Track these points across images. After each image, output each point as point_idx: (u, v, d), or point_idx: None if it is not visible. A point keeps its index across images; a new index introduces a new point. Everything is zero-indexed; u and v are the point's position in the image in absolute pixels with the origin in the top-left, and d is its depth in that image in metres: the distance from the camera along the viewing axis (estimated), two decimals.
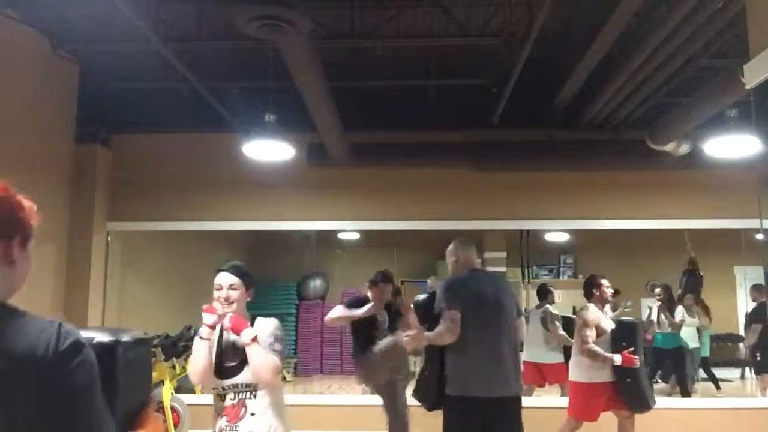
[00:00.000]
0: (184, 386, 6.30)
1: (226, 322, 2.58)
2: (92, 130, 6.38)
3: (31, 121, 5.63)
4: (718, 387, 8.37)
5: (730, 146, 5.04)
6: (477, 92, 6.29)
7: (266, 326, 2.61)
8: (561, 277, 10.29)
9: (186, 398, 5.77)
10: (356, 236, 9.48)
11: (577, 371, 4.77)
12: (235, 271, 2.67)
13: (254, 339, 2.50)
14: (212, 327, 2.60)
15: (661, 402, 6.68)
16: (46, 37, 5.66)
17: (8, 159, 5.28)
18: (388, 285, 4.84)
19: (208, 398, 6.72)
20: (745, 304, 9.65)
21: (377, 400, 5.03)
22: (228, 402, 2.56)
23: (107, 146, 6.58)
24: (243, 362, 2.55)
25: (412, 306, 4.61)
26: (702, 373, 8.70)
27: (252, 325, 2.62)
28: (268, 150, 5.38)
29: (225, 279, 2.66)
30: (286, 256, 10.16)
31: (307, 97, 5.08)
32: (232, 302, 2.61)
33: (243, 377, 2.53)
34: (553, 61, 5.64)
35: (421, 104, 6.61)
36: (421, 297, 4.34)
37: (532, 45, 4.55)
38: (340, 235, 9.46)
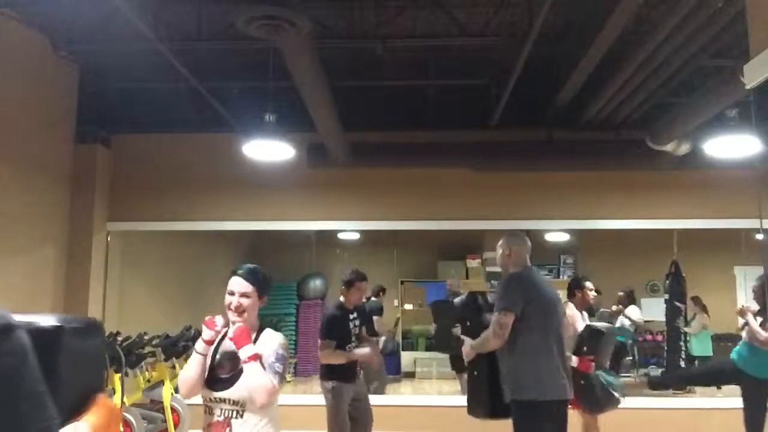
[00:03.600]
0: None
1: (230, 332, 2.42)
2: (92, 130, 6.39)
3: (32, 121, 5.63)
4: (718, 387, 8.37)
5: (730, 146, 5.04)
6: (477, 92, 6.29)
7: (271, 342, 2.42)
8: (561, 277, 10.29)
9: None
10: (356, 236, 9.49)
11: None
12: (251, 277, 2.48)
13: (252, 357, 2.33)
14: (209, 343, 2.44)
15: (661, 402, 6.70)
16: (46, 37, 5.67)
17: (8, 159, 5.28)
18: (364, 282, 4.64)
19: None
20: (745, 304, 9.65)
21: (377, 400, 5.03)
22: (215, 418, 2.38)
23: (107, 146, 6.58)
24: (235, 376, 2.38)
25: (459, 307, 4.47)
26: None
27: (259, 335, 2.46)
28: (268, 150, 5.37)
29: (238, 285, 2.46)
30: (286, 256, 10.17)
31: (307, 97, 5.08)
32: (243, 311, 2.43)
33: (232, 393, 2.36)
34: (553, 61, 5.64)
35: (421, 104, 6.61)
36: (459, 299, 4.04)
37: (532, 45, 4.55)
38: (340, 235, 9.47)
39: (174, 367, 6.06)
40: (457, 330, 3.99)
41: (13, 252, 5.38)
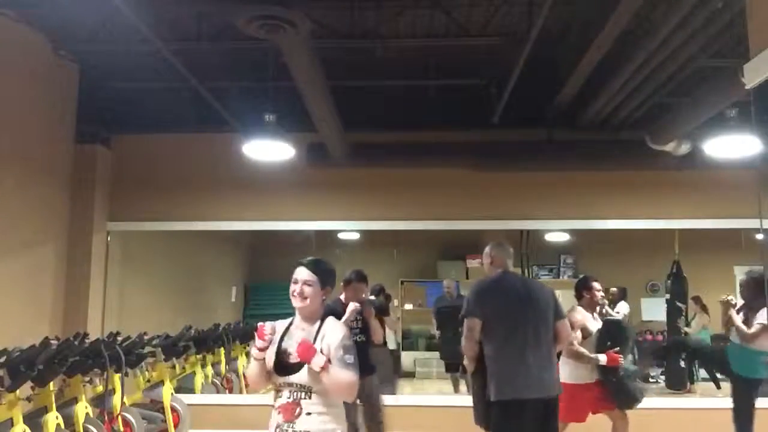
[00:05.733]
0: (184, 386, 6.30)
1: (292, 348, 2.52)
2: (92, 130, 6.39)
3: (31, 121, 5.63)
4: (718, 387, 8.36)
5: (729, 146, 5.04)
6: (477, 92, 6.29)
7: (335, 335, 2.53)
8: (561, 277, 10.29)
9: (186, 398, 5.77)
10: (356, 236, 9.48)
11: (564, 372, 4.77)
12: (314, 267, 2.64)
13: (325, 366, 2.43)
14: (263, 350, 2.55)
15: (661, 402, 6.70)
16: (46, 37, 5.67)
17: (8, 159, 5.28)
18: (361, 284, 4.70)
19: (208, 398, 6.72)
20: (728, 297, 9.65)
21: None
22: (284, 400, 2.53)
23: (107, 146, 6.58)
24: (302, 362, 2.50)
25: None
26: (703, 373, 8.71)
27: (322, 324, 2.58)
28: (268, 150, 5.38)
29: (301, 274, 2.62)
30: (286, 256, 10.16)
31: (307, 97, 5.08)
32: (306, 297, 2.58)
33: (299, 377, 2.49)
34: (553, 61, 5.64)
35: (421, 104, 6.60)
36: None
37: (532, 45, 4.55)
38: (340, 235, 9.46)
39: (174, 367, 6.06)
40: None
41: (13, 252, 5.38)
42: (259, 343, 2.56)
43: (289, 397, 2.52)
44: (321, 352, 2.48)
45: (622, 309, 8.41)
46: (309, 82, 4.81)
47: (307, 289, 2.59)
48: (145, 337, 5.62)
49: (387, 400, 5.62)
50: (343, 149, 6.15)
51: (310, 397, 2.49)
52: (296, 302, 2.61)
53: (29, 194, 5.62)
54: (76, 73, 6.28)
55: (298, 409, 2.49)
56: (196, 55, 5.47)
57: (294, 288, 2.62)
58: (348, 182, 6.52)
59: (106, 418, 4.81)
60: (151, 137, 6.67)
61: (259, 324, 2.57)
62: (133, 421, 5.01)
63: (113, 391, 4.96)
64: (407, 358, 10.46)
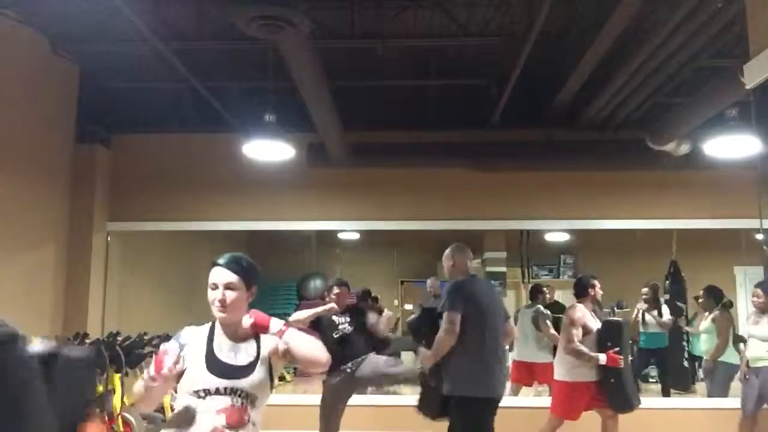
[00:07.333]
0: None
1: (246, 321, 2.19)
2: (92, 130, 6.38)
3: (31, 121, 5.63)
4: None
5: (730, 146, 5.04)
6: (477, 92, 6.29)
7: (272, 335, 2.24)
8: (561, 277, 10.30)
9: None
10: (356, 236, 9.49)
11: (561, 370, 4.79)
12: (235, 266, 2.22)
13: (286, 325, 2.17)
14: (154, 380, 2.09)
15: (661, 402, 6.70)
16: (46, 37, 5.66)
17: (8, 159, 5.28)
18: (342, 288, 4.87)
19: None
20: (745, 304, 9.65)
21: (379, 400, 5.03)
22: (223, 404, 2.11)
23: (107, 146, 6.58)
24: (252, 365, 2.17)
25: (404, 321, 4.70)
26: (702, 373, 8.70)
27: (259, 338, 2.25)
28: (268, 150, 5.37)
29: (221, 276, 2.20)
30: (286, 256, 10.17)
31: (307, 97, 5.08)
32: (228, 305, 2.17)
33: (247, 382, 2.14)
34: (553, 61, 5.64)
35: (421, 104, 6.61)
36: (413, 317, 4.48)
37: (532, 45, 4.55)
38: (340, 235, 9.47)
39: None
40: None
41: (12, 252, 5.38)
42: (152, 369, 2.08)
43: (232, 403, 2.12)
44: (268, 357, 2.20)
45: (665, 315, 7.25)
46: (309, 82, 4.81)
47: (230, 294, 2.16)
48: (145, 337, 5.61)
49: (387, 400, 5.63)
50: (343, 149, 6.15)
51: (254, 406, 2.15)
52: (219, 312, 2.18)
53: (29, 194, 5.62)
54: (76, 73, 6.27)
55: (247, 417, 2.12)
56: (196, 55, 5.47)
57: (215, 296, 2.17)
58: (348, 182, 6.52)
59: (106, 418, 4.80)
60: (151, 137, 6.67)
61: (162, 348, 2.15)
62: (133, 421, 5.01)
63: (113, 391, 4.96)
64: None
